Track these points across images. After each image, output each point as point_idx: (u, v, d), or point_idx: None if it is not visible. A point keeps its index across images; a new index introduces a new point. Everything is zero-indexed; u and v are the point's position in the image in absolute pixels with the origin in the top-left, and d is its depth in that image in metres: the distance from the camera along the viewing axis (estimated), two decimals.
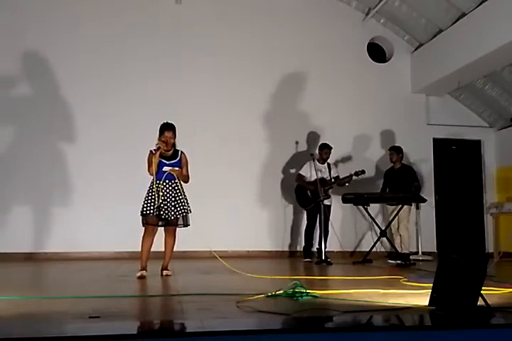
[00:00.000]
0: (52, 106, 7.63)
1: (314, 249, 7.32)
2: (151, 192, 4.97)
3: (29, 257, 7.13)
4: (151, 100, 7.76)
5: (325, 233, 7.00)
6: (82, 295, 3.54)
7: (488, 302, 2.92)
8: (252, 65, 8.24)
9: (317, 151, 7.52)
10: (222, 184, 7.79)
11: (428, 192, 8.39)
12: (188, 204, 5.08)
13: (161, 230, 5.12)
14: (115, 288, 4.20)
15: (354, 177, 7.30)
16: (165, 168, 4.98)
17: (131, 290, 4.10)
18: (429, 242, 8.38)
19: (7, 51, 7.56)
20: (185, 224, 5.09)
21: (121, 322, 2.67)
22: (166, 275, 4.99)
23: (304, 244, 7.46)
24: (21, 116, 7.52)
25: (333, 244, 7.40)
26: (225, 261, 5.34)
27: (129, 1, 8.05)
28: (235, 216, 7.75)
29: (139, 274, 4.83)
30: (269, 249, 7.99)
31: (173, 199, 4.98)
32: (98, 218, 7.34)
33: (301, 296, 3.41)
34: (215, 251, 5.32)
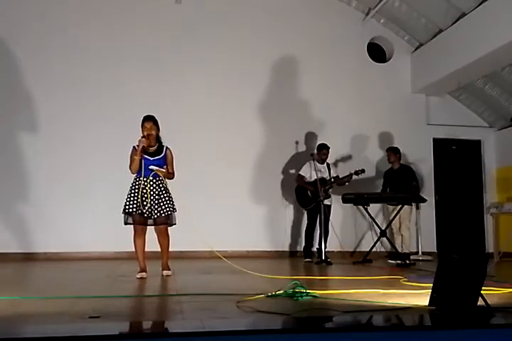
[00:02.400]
0: (51, 105, 7.62)
1: (314, 249, 7.32)
2: (134, 189, 4.89)
3: (29, 257, 7.13)
4: (150, 100, 7.73)
5: (325, 233, 7.00)
6: (82, 295, 3.54)
7: (488, 302, 2.92)
8: (252, 65, 8.23)
9: (315, 151, 7.52)
10: (222, 184, 7.79)
11: (428, 192, 8.39)
12: (172, 202, 4.97)
13: (151, 229, 5.09)
14: (115, 288, 4.20)
15: (354, 177, 7.31)
16: (151, 167, 4.89)
17: (131, 290, 4.10)
18: (429, 242, 8.38)
19: (4, 50, 7.57)
20: (171, 223, 5.00)
21: (121, 322, 2.67)
22: (167, 275, 4.98)
23: (304, 244, 7.47)
24: (20, 117, 7.52)
25: (333, 244, 7.39)
26: (229, 261, 5.33)
27: (128, 1, 8.05)
28: (235, 216, 7.75)
29: (138, 276, 4.82)
30: (269, 249, 7.99)
31: (156, 197, 4.88)
32: (98, 218, 7.33)
33: (301, 296, 3.41)
34: (215, 251, 5.32)
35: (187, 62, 8.04)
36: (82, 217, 7.38)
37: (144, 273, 4.86)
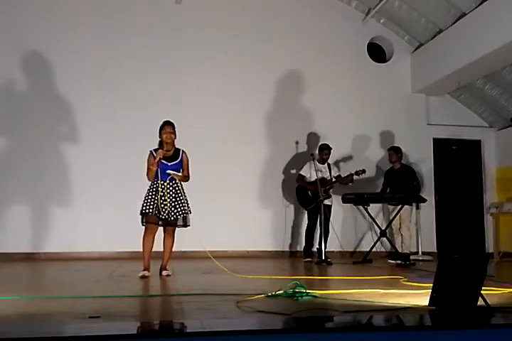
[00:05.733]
0: (51, 106, 7.62)
1: (314, 249, 7.32)
2: (151, 192, 4.98)
3: (29, 257, 7.13)
4: (150, 100, 7.75)
5: (325, 233, 7.00)
6: (82, 295, 3.54)
7: (488, 302, 2.92)
8: (252, 65, 8.23)
9: (317, 152, 7.52)
10: (223, 184, 7.78)
11: (428, 192, 8.38)
12: (188, 204, 5.09)
13: (160, 230, 5.13)
14: (115, 288, 4.20)
15: (355, 177, 7.30)
16: (168, 171, 4.99)
17: (131, 290, 4.09)
18: (429, 242, 8.37)
19: (6, 50, 7.56)
20: (185, 225, 5.10)
21: (121, 322, 2.67)
22: (167, 275, 4.99)
23: (304, 244, 7.47)
24: (19, 117, 7.51)
25: (333, 244, 7.39)
26: (225, 261, 5.34)
27: (129, 1, 8.04)
28: (235, 216, 7.75)
29: (141, 274, 4.85)
30: (269, 249, 7.99)
31: (173, 199, 4.99)
32: (98, 218, 7.33)
33: (301, 296, 3.41)
34: (215, 251, 5.33)
35: (187, 62, 8.04)
36: (83, 216, 7.38)
37: (147, 272, 4.91)
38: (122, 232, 6.83)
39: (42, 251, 7.26)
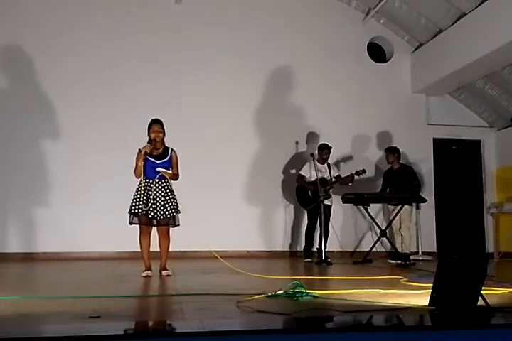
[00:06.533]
0: (49, 105, 7.60)
1: (314, 249, 7.32)
2: (141, 191, 4.95)
3: (29, 257, 7.12)
4: (149, 100, 7.73)
5: (325, 233, 7.00)
6: (82, 295, 3.54)
7: (488, 302, 2.92)
8: (252, 65, 8.23)
9: (317, 152, 7.52)
10: (223, 184, 7.79)
11: (428, 192, 8.38)
12: (177, 204, 5.04)
13: (154, 229, 5.11)
14: (115, 288, 4.20)
15: (355, 177, 7.30)
16: (158, 169, 4.96)
17: (131, 290, 4.09)
18: (429, 242, 8.38)
19: (4, 49, 7.56)
20: (174, 224, 5.06)
21: (121, 322, 2.67)
22: (167, 275, 4.99)
23: (304, 244, 7.47)
24: (17, 117, 7.50)
25: (333, 244, 7.39)
26: (226, 261, 5.33)
27: (128, 1, 8.04)
28: (235, 216, 7.75)
29: (144, 274, 4.88)
30: (269, 249, 7.99)
31: (162, 198, 4.95)
32: (98, 218, 7.32)
33: (301, 296, 3.41)
34: (215, 251, 5.32)
35: (187, 62, 8.04)
36: (83, 216, 7.37)
37: (150, 272, 4.93)
38: (122, 232, 6.77)
39: (41, 251, 7.26)
